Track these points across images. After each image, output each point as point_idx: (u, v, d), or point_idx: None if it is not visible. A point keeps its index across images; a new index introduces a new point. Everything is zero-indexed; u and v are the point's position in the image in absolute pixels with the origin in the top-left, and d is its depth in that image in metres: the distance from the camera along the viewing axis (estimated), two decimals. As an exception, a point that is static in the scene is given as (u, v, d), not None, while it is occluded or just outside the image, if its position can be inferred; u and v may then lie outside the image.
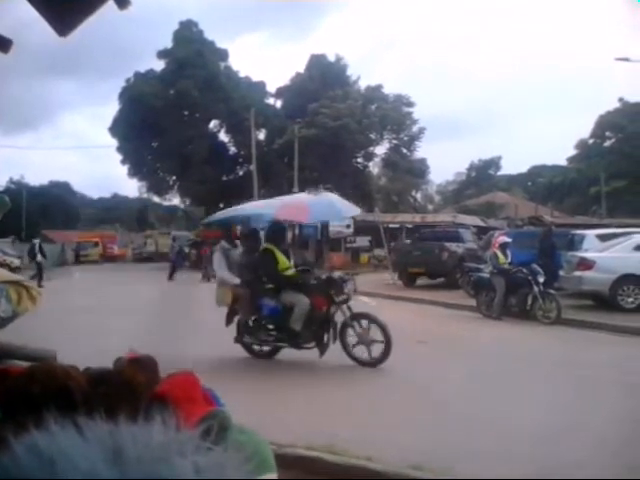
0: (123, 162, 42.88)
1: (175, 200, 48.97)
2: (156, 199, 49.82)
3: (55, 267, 34.21)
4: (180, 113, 40.97)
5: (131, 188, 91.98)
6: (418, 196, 53.05)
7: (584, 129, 59.58)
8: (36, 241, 23.41)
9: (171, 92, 40.44)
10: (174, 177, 44.61)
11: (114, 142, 42.27)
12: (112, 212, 65.14)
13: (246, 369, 7.76)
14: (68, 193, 63.43)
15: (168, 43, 41.71)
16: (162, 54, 41.61)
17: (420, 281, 19.85)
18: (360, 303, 16.37)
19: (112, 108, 42.80)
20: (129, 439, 0.50)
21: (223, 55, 42.82)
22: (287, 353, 8.11)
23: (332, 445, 4.58)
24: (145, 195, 50.48)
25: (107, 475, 0.46)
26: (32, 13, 2.13)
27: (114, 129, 42.04)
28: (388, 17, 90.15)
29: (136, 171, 43.43)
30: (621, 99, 49.38)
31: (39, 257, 22.36)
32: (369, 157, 44.15)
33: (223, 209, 50.21)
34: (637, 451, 4.77)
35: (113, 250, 46.95)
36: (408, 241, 27.50)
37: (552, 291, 11.93)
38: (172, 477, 0.47)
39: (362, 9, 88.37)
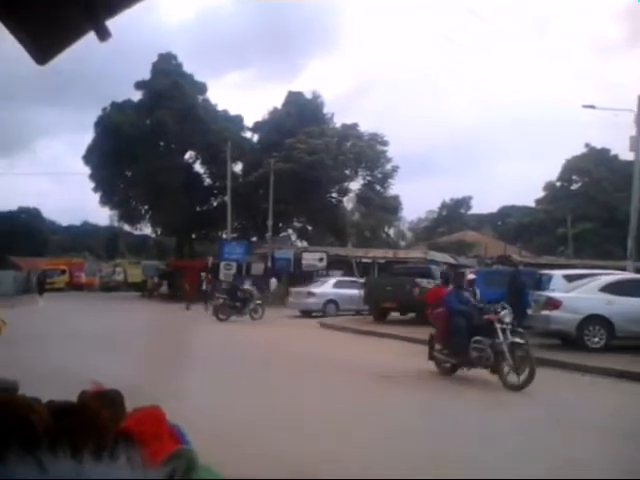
0: (95, 190, 42.42)
1: (146, 230, 48.40)
2: (127, 228, 49.20)
3: (20, 294, 33.34)
4: (155, 143, 40.89)
5: (102, 216, 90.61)
6: (391, 232, 53.59)
7: (552, 172, 61.31)
8: (203, 274, 28.08)
9: (147, 122, 40.41)
10: (146, 206, 44.21)
11: (88, 170, 41.92)
12: (81, 240, 64.03)
13: (214, 399, 7.60)
14: (37, 220, 62.21)
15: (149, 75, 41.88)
16: (140, 85, 41.70)
17: (391, 316, 19.88)
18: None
19: (90, 136, 42.52)
20: (93, 477, 0.47)
21: (201, 88, 43.11)
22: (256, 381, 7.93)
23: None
24: (116, 224, 49.86)
25: None
26: (11, 41, 2.14)
27: (88, 157, 41.69)
28: (367, 61, 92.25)
29: (108, 199, 42.94)
30: (587, 145, 51.16)
31: (204, 286, 26.68)
32: (343, 192, 44.58)
33: (195, 239, 50.02)
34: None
35: (80, 278, 46.07)
36: (380, 276, 27.66)
37: (520, 330, 12.05)
38: None
39: (346, 52, 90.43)
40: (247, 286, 21.56)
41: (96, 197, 42.75)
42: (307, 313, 22.53)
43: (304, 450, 5.61)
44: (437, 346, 10.28)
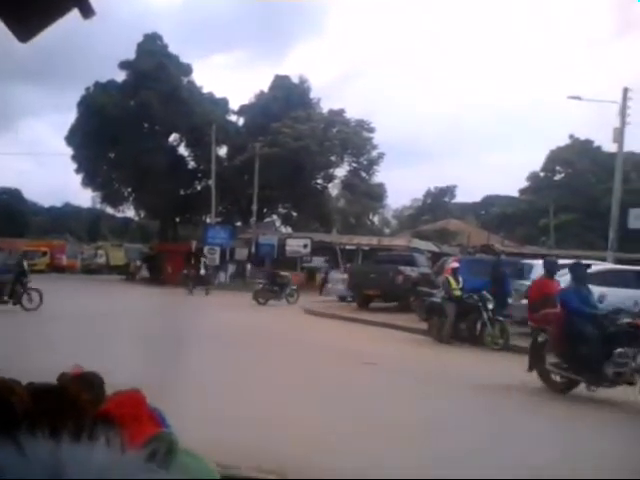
0: (77, 171, 41.89)
1: (129, 212, 47.96)
2: (110, 210, 48.71)
3: None
4: (139, 125, 40.38)
5: (84, 198, 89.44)
6: (375, 219, 53.76)
7: (536, 162, 61.73)
8: (203, 259, 28.20)
9: (131, 103, 39.89)
10: (130, 189, 43.78)
11: (70, 151, 41.35)
12: (63, 221, 63.24)
13: (188, 389, 7.60)
14: (18, 200, 61.32)
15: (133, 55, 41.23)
16: (124, 65, 41.09)
17: (374, 303, 20.01)
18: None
19: (73, 117, 41.85)
20: (71, 459, 0.47)
21: (186, 70, 42.59)
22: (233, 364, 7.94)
23: (281, 467, 4.52)
24: (99, 206, 49.31)
25: None
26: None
27: (70, 138, 41.10)
28: (355, 47, 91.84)
29: (90, 181, 42.45)
30: (571, 136, 51.55)
31: (202, 271, 26.92)
32: (329, 179, 44.51)
33: (179, 223, 49.57)
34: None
35: (62, 260, 45.54)
36: (364, 263, 27.78)
37: (501, 318, 12.22)
38: None
39: (333, 39, 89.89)
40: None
41: (78, 178, 42.27)
42: (343, 299, 23.00)
43: (293, 439, 5.65)
44: (550, 357, 8.24)
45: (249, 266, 30.99)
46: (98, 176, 42.02)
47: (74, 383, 1.20)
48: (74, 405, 1.09)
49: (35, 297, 15.40)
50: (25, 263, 16.71)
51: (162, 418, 1.17)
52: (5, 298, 15.22)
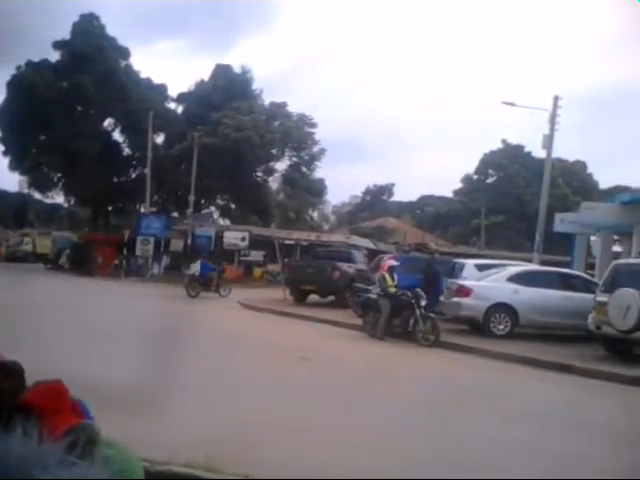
0: (4, 154, 39.74)
1: (59, 198, 45.96)
2: (38, 196, 46.51)
3: None
4: (72, 107, 38.72)
5: (11, 182, 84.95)
6: (315, 215, 53.92)
7: (470, 165, 63.72)
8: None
9: (64, 84, 38.15)
10: (59, 174, 41.92)
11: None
12: (-14, 206, 59.85)
13: (120, 379, 7.38)
14: (-64, 181, 57.59)
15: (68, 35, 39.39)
16: (58, 45, 39.23)
17: (311, 298, 20.08)
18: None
19: (2, 97, 39.61)
20: None
21: (124, 53, 41.14)
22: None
23: (209, 462, 4.45)
24: (26, 191, 46.99)
25: None
26: None
27: (-3, 118, 38.92)
28: (299, 43, 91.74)
29: (18, 164, 40.34)
30: (504, 140, 53.58)
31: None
32: (269, 172, 44.25)
33: (112, 212, 47.77)
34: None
35: (-16, 247, 43.19)
36: (302, 258, 27.83)
37: (432, 315, 12.55)
38: None
39: (279, 33, 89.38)
40: None
41: (5, 162, 40.17)
42: None
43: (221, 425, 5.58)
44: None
45: (164, 257, 30.31)
46: (26, 159, 40.01)
47: (-10, 373, 1.13)
48: (-11, 395, 1.03)
49: (227, 288, 21.48)
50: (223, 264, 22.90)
51: (85, 410, 1.12)
52: (213, 288, 20.89)
